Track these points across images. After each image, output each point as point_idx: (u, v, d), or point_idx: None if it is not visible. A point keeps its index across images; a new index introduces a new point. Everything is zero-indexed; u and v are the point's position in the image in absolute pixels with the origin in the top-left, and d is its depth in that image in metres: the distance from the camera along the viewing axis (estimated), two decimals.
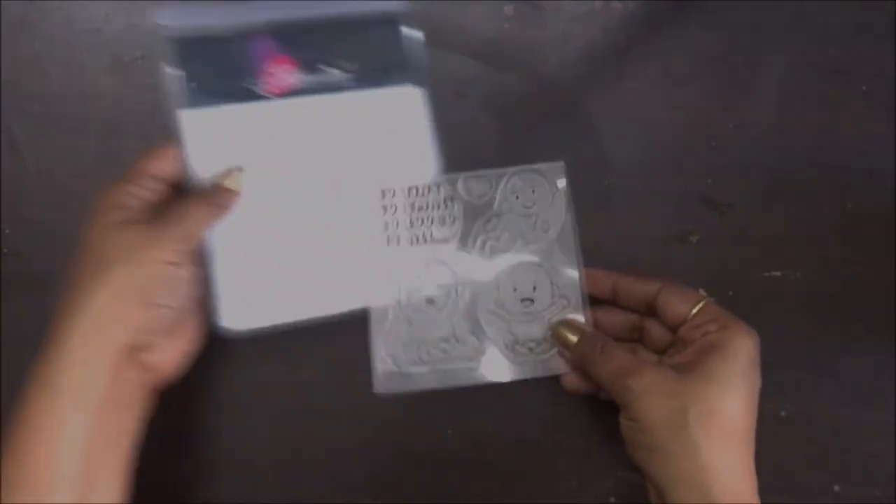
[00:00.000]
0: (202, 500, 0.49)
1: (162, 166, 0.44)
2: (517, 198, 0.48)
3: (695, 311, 0.42)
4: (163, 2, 0.47)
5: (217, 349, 0.49)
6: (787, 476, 0.49)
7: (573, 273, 0.47)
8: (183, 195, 0.44)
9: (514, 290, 0.47)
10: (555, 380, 0.47)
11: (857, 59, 0.49)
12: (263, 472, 0.49)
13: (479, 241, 0.48)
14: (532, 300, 0.47)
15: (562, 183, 0.48)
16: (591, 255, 0.49)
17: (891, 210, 0.49)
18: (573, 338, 0.45)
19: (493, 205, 0.48)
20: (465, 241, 0.47)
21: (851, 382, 0.49)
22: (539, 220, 0.48)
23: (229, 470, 0.49)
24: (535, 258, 0.47)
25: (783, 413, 0.49)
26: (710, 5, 0.49)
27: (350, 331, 0.49)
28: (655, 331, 0.45)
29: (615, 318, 0.46)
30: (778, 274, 0.49)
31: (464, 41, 0.49)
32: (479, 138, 0.49)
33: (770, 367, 0.49)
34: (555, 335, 0.46)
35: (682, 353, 0.42)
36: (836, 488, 0.48)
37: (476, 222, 0.48)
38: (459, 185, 0.48)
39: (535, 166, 0.48)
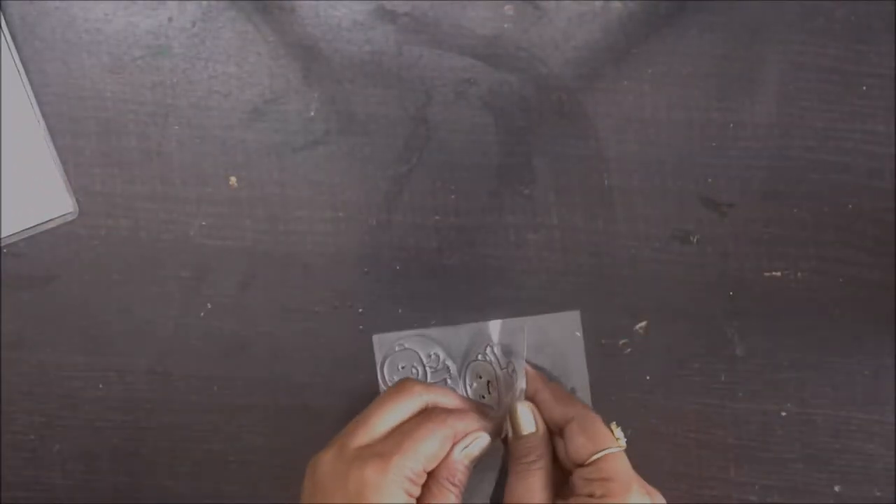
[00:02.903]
0: (202, 500, 0.49)
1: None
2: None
3: (591, 458, 0.39)
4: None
5: (217, 349, 0.49)
6: (787, 476, 0.49)
7: None
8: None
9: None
10: None
11: (857, 58, 0.49)
12: (263, 472, 0.49)
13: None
14: None
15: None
16: (591, 255, 0.49)
17: (891, 210, 0.49)
18: (525, 430, 0.43)
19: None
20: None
21: (851, 382, 0.49)
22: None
23: (229, 470, 0.49)
24: None
25: (783, 413, 0.49)
26: (710, 5, 0.49)
27: (350, 331, 0.49)
28: (559, 455, 0.43)
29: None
30: (778, 274, 0.49)
31: (464, 41, 0.49)
32: (479, 138, 0.49)
33: (770, 367, 0.49)
34: (512, 415, 0.43)
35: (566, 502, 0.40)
36: (836, 488, 0.48)
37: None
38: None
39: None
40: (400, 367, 0.48)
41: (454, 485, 0.41)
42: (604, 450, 0.39)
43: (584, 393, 0.48)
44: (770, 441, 0.49)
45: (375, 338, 0.48)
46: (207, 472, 0.49)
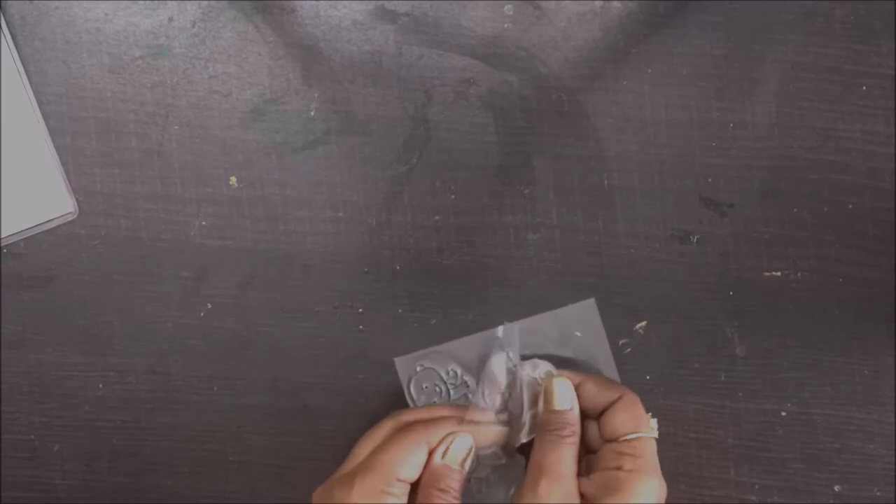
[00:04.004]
0: (202, 500, 0.49)
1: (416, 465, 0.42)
2: None
3: (629, 436, 0.41)
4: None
5: (217, 349, 0.49)
6: (787, 476, 0.49)
7: None
8: None
9: None
10: None
11: (857, 58, 0.49)
12: (263, 472, 0.49)
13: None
14: None
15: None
16: (591, 255, 0.49)
17: (891, 210, 0.49)
18: (559, 405, 0.43)
19: None
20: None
21: (851, 382, 0.49)
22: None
23: (229, 470, 0.49)
24: None
25: (783, 413, 0.49)
26: (710, 5, 0.49)
27: (350, 331, 0.49)
28: (585, 436, 0.43)
29: None
30: (778, 274, 0.49)
31: (464, 41, 0.49)
32: (479, 138, 0.49)
33: (770, 367, 0.49)
34: (547, 391, 0.44)
35: (591, 476, 0.41)
36: (837, 488, 0.48)
37: None
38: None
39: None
40: (424, 386, 0.48)
41: (441, 490, 0.41)
42: (642, 432, 0.41)
43: (613, 375, 0.48)
44: (770, 441, 0.49)
45: (397, 361, 0.49)
46: (207, 472, 0.49)
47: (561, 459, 0.40)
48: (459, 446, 0.42)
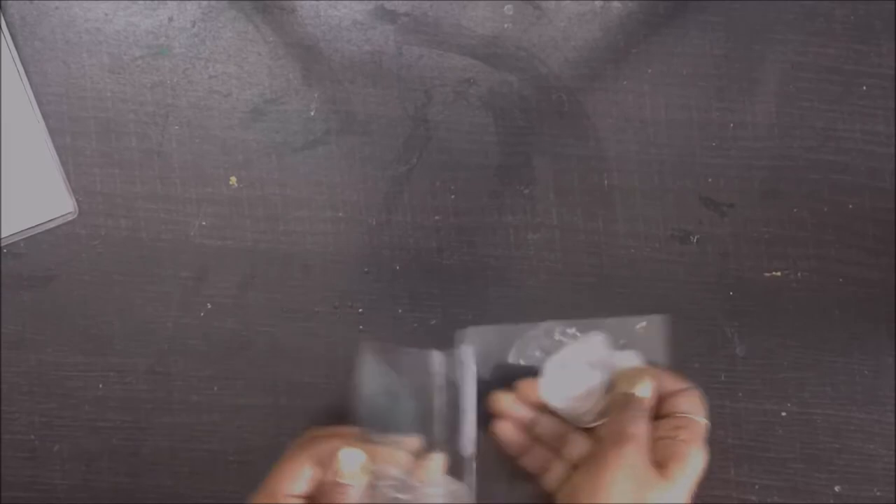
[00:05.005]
0: (202, 500, 0.49)
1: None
2: None
3: (688, 416, 0.44)
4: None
5: (217, 349, 0.49)
6: (787, 476, 0.49)
7: None
8: None
9: None
10: None
11: (857, 58, 0.49)
12: (263, 472, 0.49)
13: None
14: None
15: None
16: (591, 255, 0.49)
17: (891, 210, 0.49)
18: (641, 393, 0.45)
19: None
20: None
21: (851, 382, 0.49)
22: None
23: (229, 470, 0.49)
24: None
25: (783, 413, 0.49)
26: (710, 5, 0.49)
27: (350, 331, 0.49)
28: None
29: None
30: (778, 274, 0.49)
31: (464, 41, 0.49)
32: (479, 138, 0.49)
33: (770, 367, 0.49)
34: (630, 379, 0.45)
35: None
36: (837, 488, 0.48)
37: None
38: None
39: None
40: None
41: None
42: (699, 416, 0.44)
43: None
44: (770, 441, 0.49)
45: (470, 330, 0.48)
46: (207, 472, 0.49)
47: (640, 431, 0.43)
48: (348, 460, 0.42)
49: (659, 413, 0.45)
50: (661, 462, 0.42)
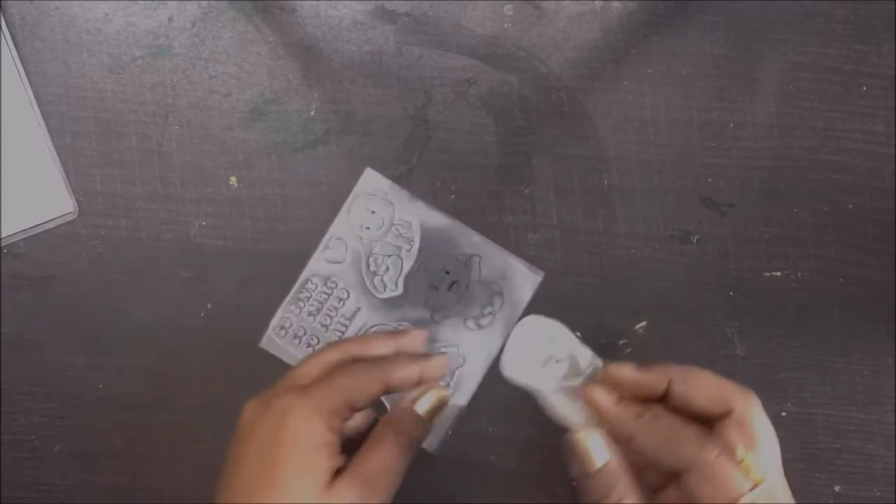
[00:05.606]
0: (202, 500, 0.49)
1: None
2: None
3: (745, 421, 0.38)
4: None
5: (218, 349, 0.49)
6: (787, 476, 0.49)
7: None
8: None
9: None
10: None
11: (857, 58, 0.49)
12: None
13: None
14: None
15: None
16: (591, 255, 0.49)
17: (891, 210, 0.49)
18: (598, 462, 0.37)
19: None
20: None
21: (851, 382, 0.49)
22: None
23: None
24: None
25: (783, 413, 0.49)
26: (710, 5, 0.49)
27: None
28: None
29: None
30: (778, 274, 0.49)
31: (464, 41, 0.49)
32: (479, 138, 0.49)
33: (770, 367, 0.49)
34: (576, 448, 0.38)
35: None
36: (837, 488, 0.48)
37: None
38: None
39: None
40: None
41: (397, 431, 0.38)
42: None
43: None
44: None
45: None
46: (207, 472, 0.49)
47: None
48: (430, 399, 0.40)
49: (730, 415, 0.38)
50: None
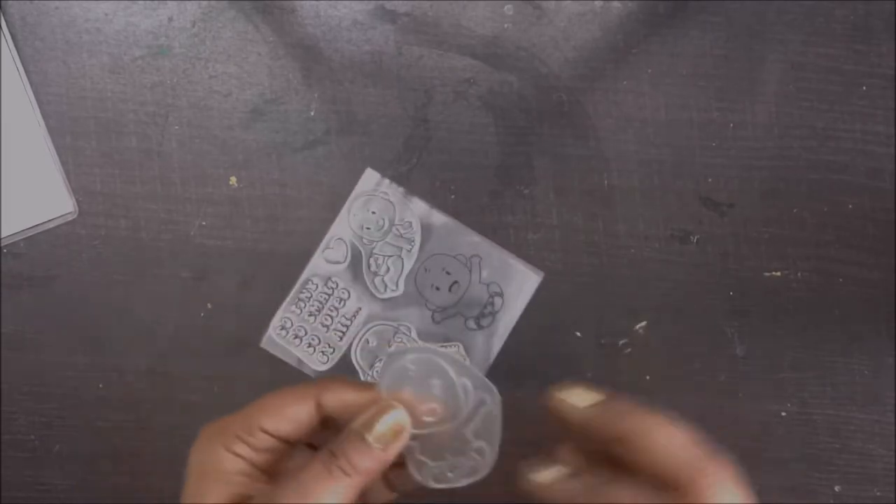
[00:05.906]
0: None
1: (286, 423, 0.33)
2: None
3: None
4: None
5: (217, 349, 0.49)
6: (787, 476, 0.49)
7: None
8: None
9: None
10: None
11: (857, 58, 0.49)
12: None
13: None
14: None
15: None
16: (591, 255, 0.49)
17: (891, 210, 0.49)
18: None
19: None
20: None
21: (851, 382, 0.49)
22: None
23: None
24: None
25: (783, 413, 0.49)
26: (710, 5, 0.49)
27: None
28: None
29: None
30: (778, 274, 0.49)
31: (464, 41, 0.49)
32: (479, 138, 0.49)
33: (770, 367, 0.49)
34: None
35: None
36: (837, 488, 0.48)
37: None
38: None
39: None
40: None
41: (340, 467, 0.32)
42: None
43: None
44: (770, 441, 0.49)
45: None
46: None
47: None
48: (389, 421, 0.33)
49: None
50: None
